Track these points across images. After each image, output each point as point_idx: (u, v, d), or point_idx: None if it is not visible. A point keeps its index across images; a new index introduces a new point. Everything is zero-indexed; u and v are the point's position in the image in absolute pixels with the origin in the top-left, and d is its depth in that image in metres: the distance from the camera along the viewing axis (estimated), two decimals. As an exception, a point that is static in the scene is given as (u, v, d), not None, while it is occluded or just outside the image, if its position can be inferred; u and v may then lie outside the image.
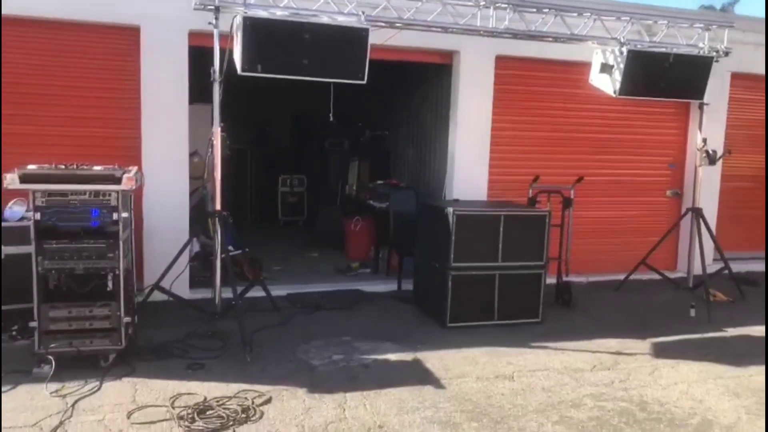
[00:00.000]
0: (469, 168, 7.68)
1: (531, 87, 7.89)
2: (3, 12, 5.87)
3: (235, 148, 11.32)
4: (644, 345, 5.73)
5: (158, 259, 6.04)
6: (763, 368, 5.19)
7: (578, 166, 7.82)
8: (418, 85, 8.96)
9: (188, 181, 6.73)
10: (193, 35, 6.40)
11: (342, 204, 10.48)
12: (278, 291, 6.79)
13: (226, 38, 5.32)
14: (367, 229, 8.79)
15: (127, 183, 4.65)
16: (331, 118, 6.99)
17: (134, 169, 4.98)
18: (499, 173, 7.78)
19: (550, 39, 6.43)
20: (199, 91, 6.82)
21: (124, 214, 4.80)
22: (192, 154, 6.98)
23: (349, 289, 7.35)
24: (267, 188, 11.97)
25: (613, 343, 5.73)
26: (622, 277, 7.71)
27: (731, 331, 6.21)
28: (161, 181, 6.38)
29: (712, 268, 7.45)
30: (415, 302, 6.80)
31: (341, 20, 5.62)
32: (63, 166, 4.75)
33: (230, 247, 7.05)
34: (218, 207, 5.51)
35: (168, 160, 6.48)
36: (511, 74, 7.74)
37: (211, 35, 5.37)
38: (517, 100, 7.84)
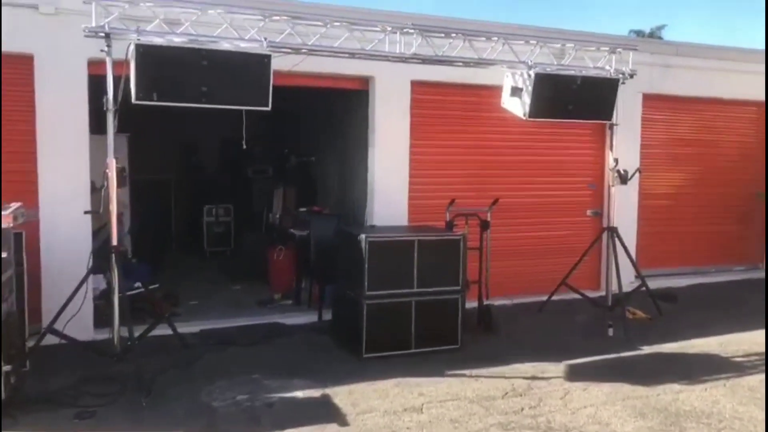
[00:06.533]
0: (388, 193, 7.59)
1: (448, 111, 7.89)
2: None
3: (155, 178, 11.02)
4: (559, 368, 5.68)
5: (58, 299, 5.66)
6: (671, 386, 5.23)
7: (498, 189, 7.82)
8: (339, 111, 8.87)
9: (90, 217, 6.39)
10: (92, 64, 6.14)
11: (266, 233, 10.24)
12: (191, 327, 6.57)
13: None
14: (289, 259, 8.55)
15: (3, 221, 4.36)
16: (245, 146, 6.84)
17: (15, 205, 4.68)
18: (419, 197, 7.71)
19: (459, 63, 6.44)
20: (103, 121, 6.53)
21: (3, 254, 4.48)
22: (99, 188, 6.67)
23: (267, 322, 7.10)
24: (193, 218, 11.59)
25: (528, 368, 5.67)
26: (546, 297, 7.71)
27: (645, 350, 6.24)
28: (60, 217, 6.07)
29: (633, 285, 7.54)
30: (332, 334, 6.60)
31: (243, 46, 5.49)
32: (-67, 205, 4.43)
33: (138, 284, 6.78)
34: (114, 242, 5.25)
35: (67, 194, 6.16)
36: (428, 99, 7.72)
37: (111, 63, 5.17)
38: (435, 124, 7.82)
